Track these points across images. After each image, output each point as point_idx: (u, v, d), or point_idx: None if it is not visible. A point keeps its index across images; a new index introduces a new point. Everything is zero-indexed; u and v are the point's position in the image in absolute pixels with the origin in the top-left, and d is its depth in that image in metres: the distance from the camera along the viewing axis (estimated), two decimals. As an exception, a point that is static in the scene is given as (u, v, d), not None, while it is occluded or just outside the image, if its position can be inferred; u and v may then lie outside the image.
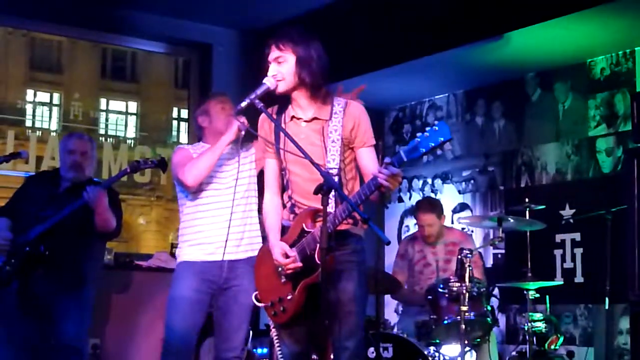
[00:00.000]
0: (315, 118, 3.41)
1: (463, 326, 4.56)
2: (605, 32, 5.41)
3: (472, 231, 6.51)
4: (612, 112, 5.82)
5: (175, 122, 7.66)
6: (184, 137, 7.39)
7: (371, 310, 5.18)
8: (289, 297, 3.34)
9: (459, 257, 4.71)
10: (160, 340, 4.23)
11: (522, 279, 5.03)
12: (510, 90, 6.51)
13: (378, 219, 6.96)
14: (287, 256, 3.32)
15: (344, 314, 3.32)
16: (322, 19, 6.36)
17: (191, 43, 6.99)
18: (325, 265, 3.03)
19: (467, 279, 4.62)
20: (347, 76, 5.97)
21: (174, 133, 7.61)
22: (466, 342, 4.64)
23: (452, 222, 6.69)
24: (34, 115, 6.93)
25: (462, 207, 6.81)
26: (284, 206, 3.49)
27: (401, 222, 7.30)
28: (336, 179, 3.29)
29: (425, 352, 4.80)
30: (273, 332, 3.61)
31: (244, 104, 3.34)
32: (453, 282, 4.76)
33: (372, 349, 4.83)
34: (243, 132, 4.06)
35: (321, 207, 3.05)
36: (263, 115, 3.46)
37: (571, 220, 5.88)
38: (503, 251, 6.39)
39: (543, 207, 5.15)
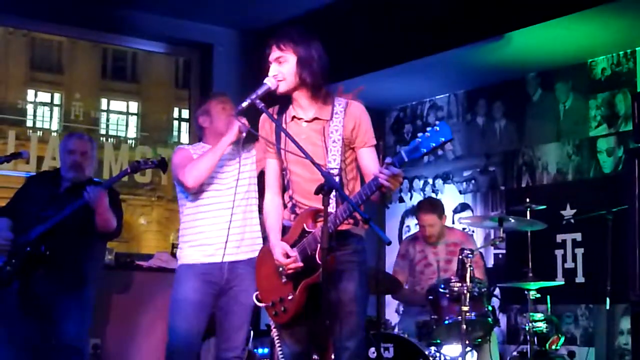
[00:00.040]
0: (316, 118, 3.41)
1: (464, 326, 4.56)
2: (606, 32, 5.41)
3: (473, 231, 6.50)
4: (613, 112, 5.82)
5: (176, 122, 7.66)
6: (184, 137, 7.39)
7: (372, 310, 5.18)
8: (289, 297, 3.34)
9: (460, 257, 4.71)
10: (160, 340, 4.24)
11: (523, 279, 5.03)
12: (511, 90, 6.51)
13: (379, 219, 6.95)
14: (288, 256, 3.32)
15: (345, 314, 3.32)
16: (323, 19, 6.36)
17: (192, 43, 6.99)
18: (326, 265, 3.03)
19: (468, 279, 4.62)
20: (347, 76, 5.98)
21: (175, 133, 7.60)
22: (467, 342, 4.64)
23: (453, 222, 6.69)
24: (34, 116, 6.92)
25: (463, 207, 6.81)
26: (285, 206, 3.49)
27: (402, 222, 7.30)
28: (337, 179, 3.28)
29: (426, 353, 4.80)
30: (274, 332, 3.62)
31: (245, 104, 3.34)
32: (454, 282, 4.76)
33: (373, 349, 4.83)
34: (244, 134, 4.06)
35: (322, 207, 3.05)
36: (264, 116, 3.46)
37: (572, 221, 5.88)
38: (504, 251, 6.39)
39: (544, 207, 5.15)
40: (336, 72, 3.52)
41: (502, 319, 6.23)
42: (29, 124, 6.81)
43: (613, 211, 5.15)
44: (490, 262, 6.47)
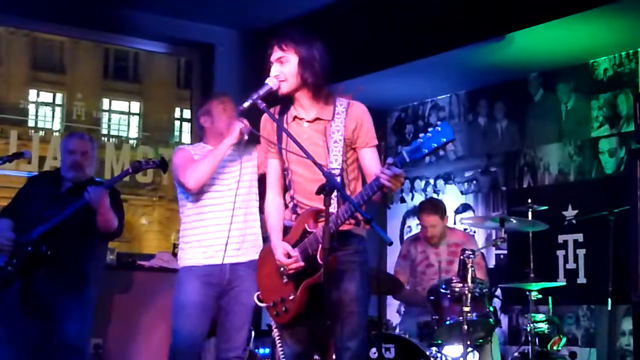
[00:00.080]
0: (317, 118, 3.41)
1: (465, 327, 4.55)
2: (608, 32, 5.41)
3: (475, 232, 6.50)
4: (615, 112, 5.81)
5: (177, 122, 7.66)
6: (186, 137, 7.39)
7: (373, 310, 5.18)
8: (291, 298, 3.33)
9: (462, 257, 4.70)
10: (162, 340, 4.24)
11: (525, 279, 5.02)
12: (513, 91, 6.51)
13: (380, 219, 6.95)
14: (289, 256, 3.32)
15: (346, 314, 3.32)
16: (324, 19, 6.35)
17: (193, 43, 7.00)
18: (327, 265, 3.03)
19: (469, 280, 4.61)
20: (349, 76, 5.99)
21: (177, 133, 7.61)
22: (468, 342, 4.63)
23: (455, 223, 6.69)
24: (36, 115, 6.93)
25: (465, 207, 6.81)
26: (286, 206, 3.49)
27: (403, 223, 7.30)
28: (338, 179, 3.28)
29: (427, 353, 4.79)
30: (275, 333, 3.61)
31: (246, 104, 3.34)
32: (455, 282, 4.75)
33: (374, 350, 4.83)
34: (246, 137, 4.05)
35: (323, 208, 3.05)
36: (265, 116, 3.46)
37: (574, 221, 5.88)
38: (505, 252, 6.39)
39: (545, 207, 5.15)
40: (337, 73, 3.52)
41: (504, 319, 6.22)
42: (31, 124, 6.82)
43: (615, 212, 5.16)
44: (492, 263, 6.46)
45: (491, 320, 4.83)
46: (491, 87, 6.64)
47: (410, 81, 6.61)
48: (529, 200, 5.08)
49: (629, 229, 4.69)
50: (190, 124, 7.31)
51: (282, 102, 3.45)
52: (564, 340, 5.11)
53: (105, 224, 4.67)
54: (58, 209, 4.61)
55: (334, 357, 3.51)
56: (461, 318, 4.59)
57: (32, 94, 7.04)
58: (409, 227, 7.21)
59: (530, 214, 5.04)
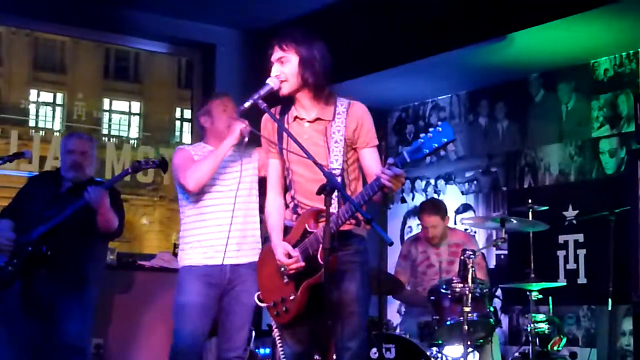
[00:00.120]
0: (318, 119, 3.41)
1: (466, 327, 4.55)
2: (609, 33, 5.41)
3: (475, 232, 6.50)
4: (616, 113, 5.81)
5: (178, 122, 7.66)
6: (187, 137, 7.39)
7: (374, 310, 5.18)
8: (291, 298, 3.34)
9: (462, 258, 4.71)
10: (162, 340, 4.24)
11: (525, 280, 5.02)
12: (514, 91, 6.51)
13: (381, 219, 6.95)
14: (289, 256, 3.32)
15: (347, 314, 3.32)
16: (325, 19, 6.35)
17: (194, 43, 6.99)
18: (328, 265, 3.03)
19: (469, 280, 4.61)
20: (349, 77, 5.98)
21: (177, 133, 7.61)
22: (469, 343, 4.63)
23: (455, 223, 6.68)
24: (37, 115, 6.93)
25: (465, 208, 6.80)
26: (287, 206, 3.49)
27: (404, 223, 7.30)
28: (339, 179, 3.28)
29: (428, 353, 4.79)
30: (275, 333, 3.61)
31: (247, 105, 3.34)
32: (456, 282, 4.75)
33: (374, 350, 4.83)
34: (247, 138, 4.05)
35: (324, 208, 3.05)
36: (266, 116, 3.46)
37: (574, 221, 5.88)
38: (506, 252, 6.39)
39: (546, 208, 5.15)
40: (338, 73, 3.52)
41: (504, 319, 6.22)
42: (32, 123, 6.82)
43: (615, 212, 5.16)
44: (492, 263, 6.46)
45: (492, 320, 4.83)
46: (492, 87, 6.64)
47: (411, 81, 6.61)
48: (530, 201, 5.08)
49: (630, 229, 4.69)
50: (190, 124, 7.31)
51: (283, 102, 3.45)
52: (564, 340, 5.11)
53: (105, 224, 4.67)
54: (58, 209, 4.61)
55: (334, 357, 3.50)
56: (462, 318, 4.59)
57: (33, 93, 7.05)
58: (410, 227, 7.21)
59: (530, 214, 5.04)
